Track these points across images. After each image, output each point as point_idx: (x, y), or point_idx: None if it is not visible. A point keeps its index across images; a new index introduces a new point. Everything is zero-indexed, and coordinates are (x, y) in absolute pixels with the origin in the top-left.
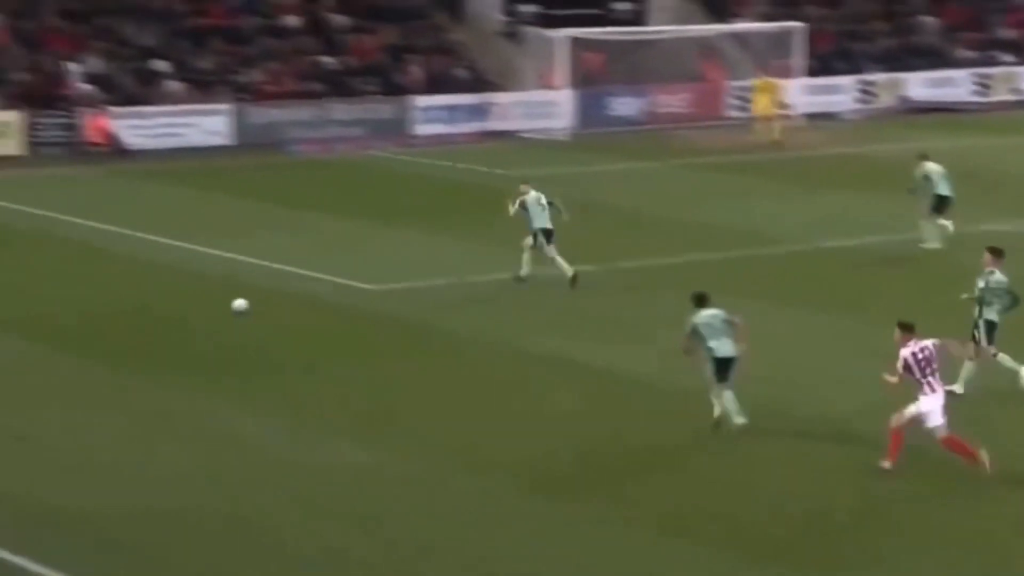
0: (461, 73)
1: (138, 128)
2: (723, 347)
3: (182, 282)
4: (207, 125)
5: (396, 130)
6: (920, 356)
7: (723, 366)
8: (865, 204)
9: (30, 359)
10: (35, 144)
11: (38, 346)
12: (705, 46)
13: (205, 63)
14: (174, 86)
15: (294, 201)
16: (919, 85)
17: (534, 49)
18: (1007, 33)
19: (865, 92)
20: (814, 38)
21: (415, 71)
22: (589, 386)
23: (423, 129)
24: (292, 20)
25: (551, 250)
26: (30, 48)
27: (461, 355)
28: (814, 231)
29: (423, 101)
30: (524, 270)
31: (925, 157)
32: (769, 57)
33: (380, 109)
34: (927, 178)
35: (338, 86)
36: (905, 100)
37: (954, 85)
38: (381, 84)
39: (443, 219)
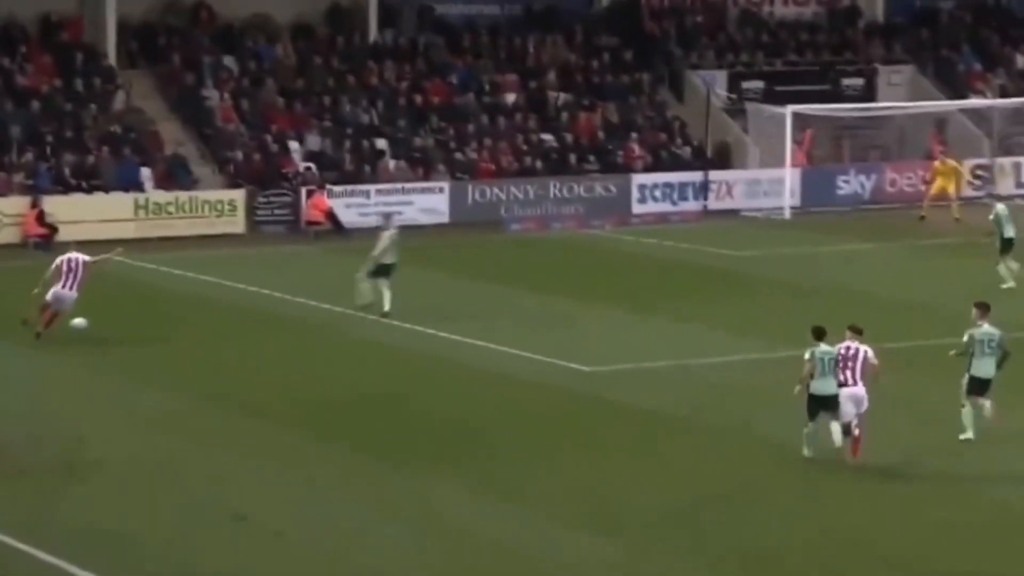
0: (682, 151)
1: (356, 206)
2: (823, 386)
3: (403, 363)
4: (425, 203)
5: (615, 208)
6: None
7: (821, 403)
8: None
9: (281, 444)
10: (257, 223)
11: (284, 430)
12: (939, 123)
13: (423, 141)
14: (393, 164)
15: (510, 279)
16: None
17: (759, 126)
18: None
19: None
20: None
21: (635, 148)
22: (811, 475)
23: (642, 207)
24: (511, 97)
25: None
26: (252, 127)
27: (683, 439)
28: None
29: (643, 179)
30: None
31: (999, 198)
32: (1010, 134)
33: (599, 187)
34: (997, 220)
35: (557, 164)
36: None
37: None
38: (600, 162)
39: (661, 299)
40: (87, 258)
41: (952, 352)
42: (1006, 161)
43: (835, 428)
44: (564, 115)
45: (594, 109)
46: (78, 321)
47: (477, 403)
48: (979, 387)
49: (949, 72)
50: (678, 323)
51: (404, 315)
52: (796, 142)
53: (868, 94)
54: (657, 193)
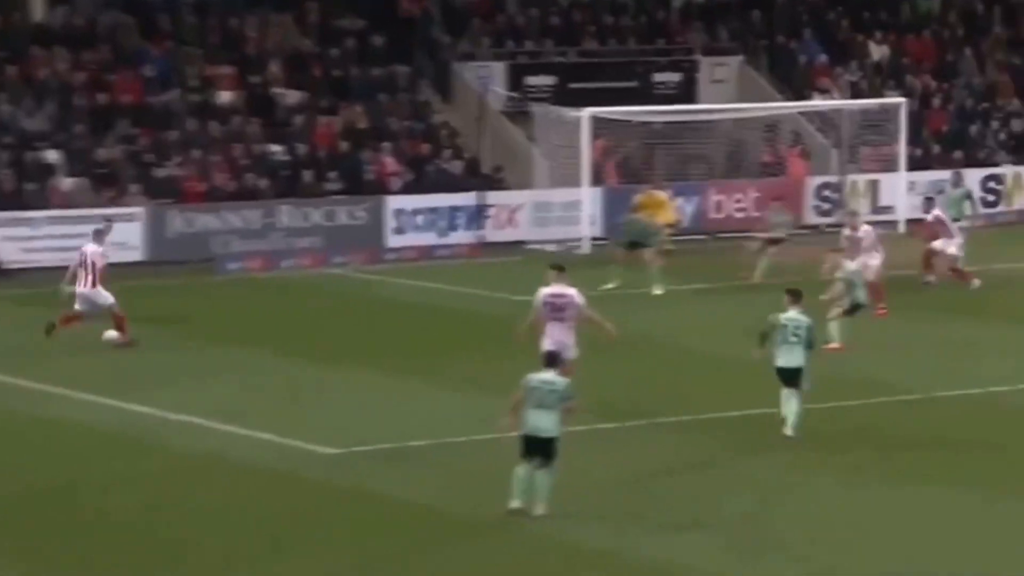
0: (451, 165)
1: (19, 239)
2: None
3: (79, 444)
4: (112, 234)
5: (364, 241)
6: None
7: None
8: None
9: None
10: None
11: None
12: (780, 130)
13: (109, 152)
14: (68, 183)
15: (225, 334)
16: None
17: (549, 133)
18: None
19: (991, 191)
20: (928, 118)
21: (389, 163)
22: None
23: (399, 239)
24: (225, 95)
25: None
26: None
27: (461, 546)
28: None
29: (400, 202)
30: None
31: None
32: (860, 143)
33: (342, 213)
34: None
35: (287, 183)
36: None
37: None
38: (345, 180)
39: (425, 358)
40: (97, 248)
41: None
42: (860, 178)
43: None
44: (296, 119)
45: (335, 112)
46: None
47: (176, 500)
48: (786, 377)
49: (787, 65)
50: (447, 390)
51: (81, 380)
52: (605, 156)
53: (686, 93)
54: (419, 220)
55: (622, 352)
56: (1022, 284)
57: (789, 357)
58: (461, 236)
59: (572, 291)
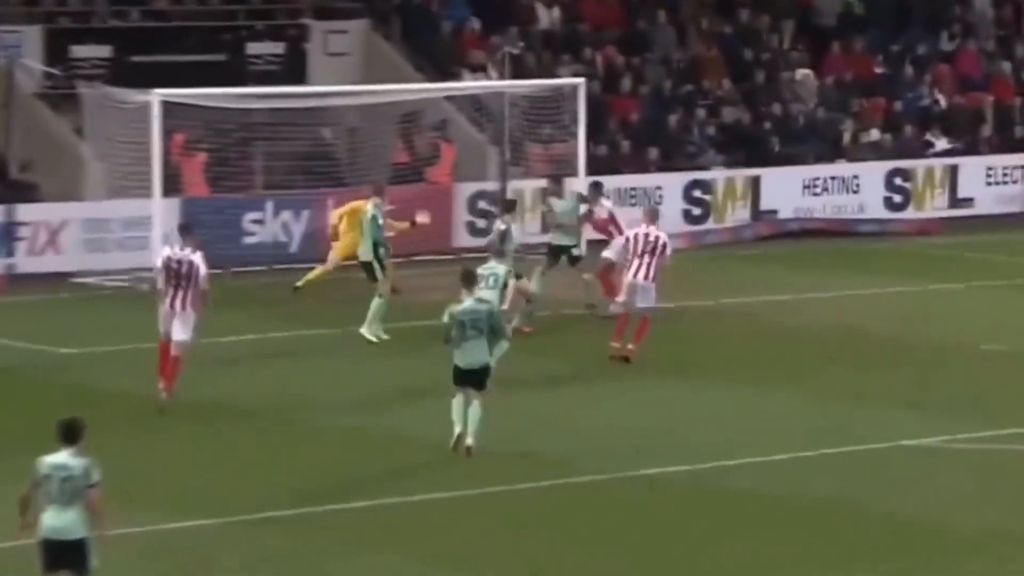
0: None
1: None
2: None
3: None
4: None
5: None
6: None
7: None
8: None
9: None
10: None
11: None
12: (424, 121)
13: None
14: None
15: None
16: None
17: (105, 124)
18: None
19: (697, 202)
20: (614, 104)
21: None
22: None
23: None
24: None
25: None
26: None
27: None
28: None
29: None
30: None
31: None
32: (527, 139)
33: None
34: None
35: None
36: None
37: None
38: None
39: None
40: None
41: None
42: (525, 186)
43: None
44: None
45: None
46: None
47: None
48: (466, 379)
49: (427, 33)
50: None
51: None
52: (185, 154)
53: (293, 69)
54: None
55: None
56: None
57: (472, 355)
58: None
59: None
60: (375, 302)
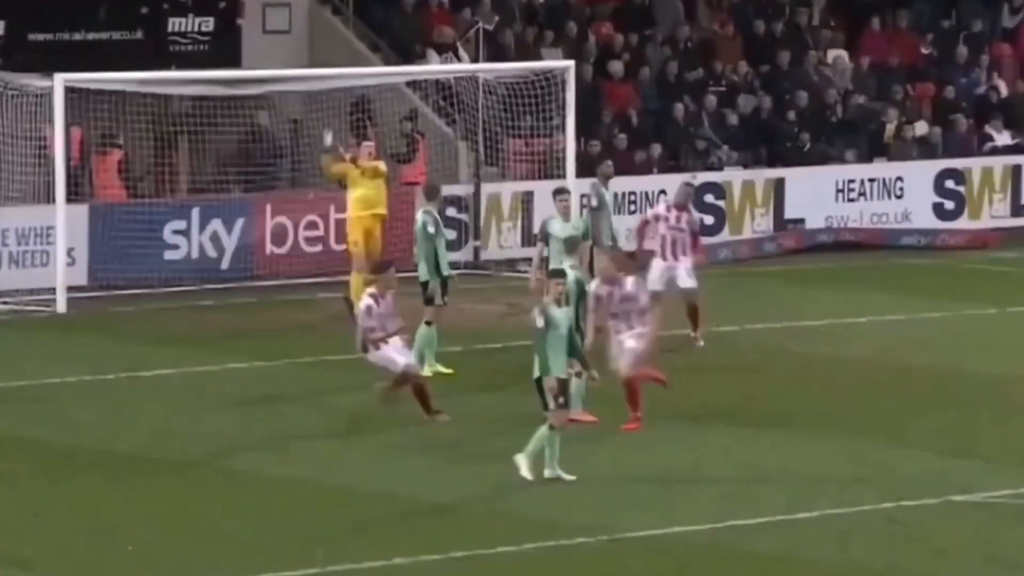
0: None
1: None
2: None
3: None
4: None
5: None
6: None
7: None
8: None
9: None
10: None
11: None
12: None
13: None
14: None
15: None
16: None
17: None
18: None
19: (710, 209)
20: (609, 92)
21: None
22: None
23: None
24: None
25: None
26: None
27: None
28: None
29: None
30: None
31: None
32: (504, 134)
33: None
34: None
35: None
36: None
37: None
38: None
39: None
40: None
41: None
42: (505, 188)
43: None
44: None
45: None
46: None
47: None
48: None
49: (383, 7)
50: None
51: None
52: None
53: (224, 50)
54: None
55: None
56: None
57: None
58: None
59: None
60: (422, 331)
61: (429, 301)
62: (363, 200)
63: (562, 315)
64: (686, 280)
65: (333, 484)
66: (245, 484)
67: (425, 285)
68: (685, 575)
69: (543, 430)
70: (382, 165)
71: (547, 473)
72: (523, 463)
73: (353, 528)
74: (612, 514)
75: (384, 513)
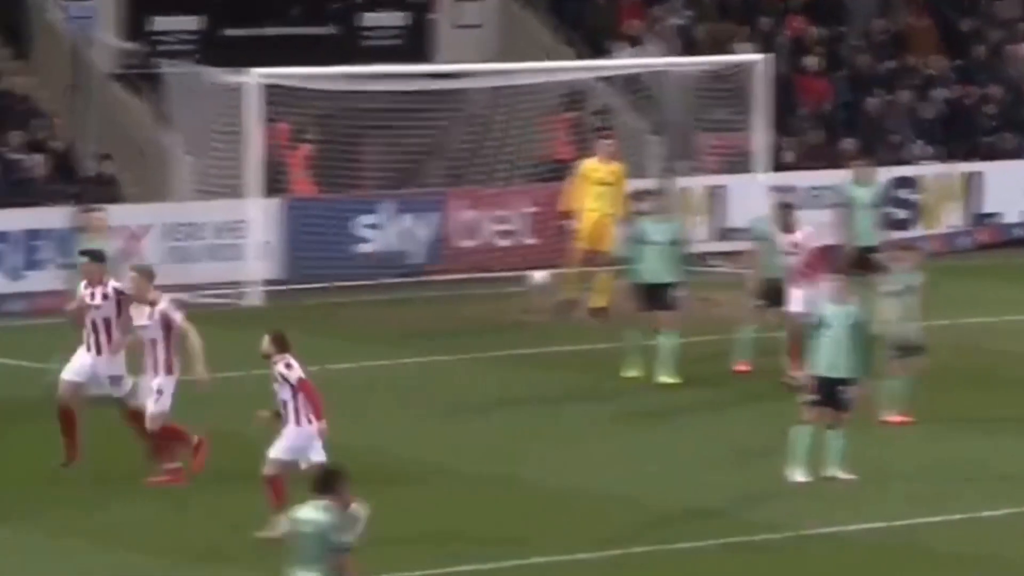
0: (29, 163)
1: None
2: None
3: None
4: None
5: None
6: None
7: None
8: None
9: None
10: None
11: None
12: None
13: None
14: None
15: None
16: None
17: (193, 110)
18: None
19: (903, 204)
20: (801, 86)
21: None
22: None
23: None
24: None
25: None
26: None
27: None
28: None
29: None
30: None
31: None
32: (697, 128)
33: None
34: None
35: None
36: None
37: None
38: None
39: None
40: None
41: None
42: (694, 184)
43: None
44: None
45: None
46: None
47: None
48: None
49: (576, 1)
50: None
51: None
52: (290, 145)
53: (416, 45)
54: None
55: None
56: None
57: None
58: (43, 279)
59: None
60: (667, 340)
61: (672, 306)
62: (598, 198)
63: (839, 314)
64: (793, 305)
65: (560, 486)
66: (455, 481)
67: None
68: (871, 573)
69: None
70: (619, 165)
71: (828, 472)
72: (797, 465)
73: (566, 525)
74: (798, 510)
75: (576, 508)
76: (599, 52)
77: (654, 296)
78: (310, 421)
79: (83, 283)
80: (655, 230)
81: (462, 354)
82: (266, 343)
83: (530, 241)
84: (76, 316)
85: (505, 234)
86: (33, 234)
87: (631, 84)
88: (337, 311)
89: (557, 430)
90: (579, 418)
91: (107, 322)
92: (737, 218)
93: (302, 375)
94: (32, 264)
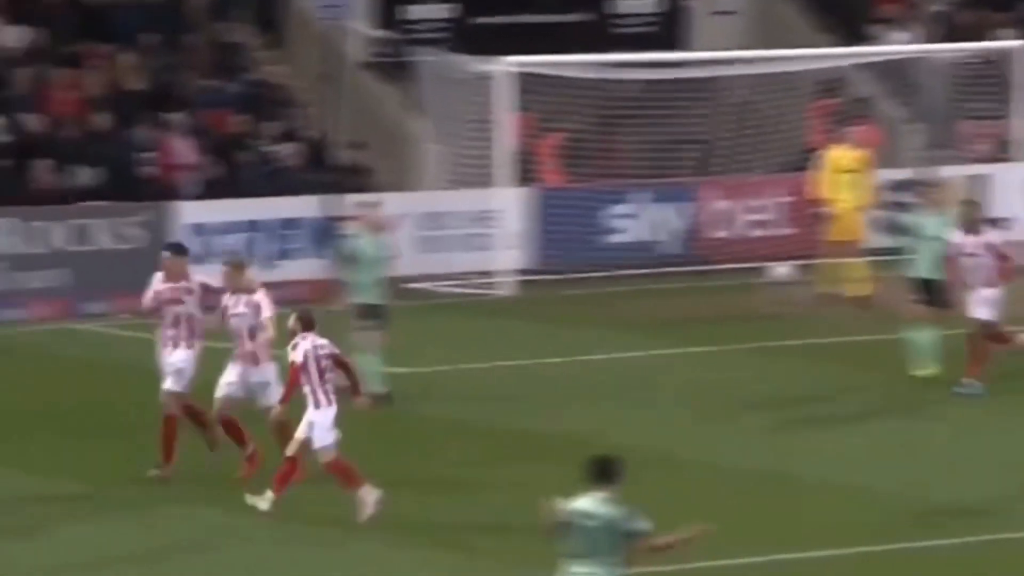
0: (282, 152)
1: None
2: None
3: None
4: None
5: (136, 277)
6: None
7: None
8: None
9: None
10: None
11: None
12: (833, 92)
13: None
14: None
15: None
16: None
17: (444, 99)
18: None
19: None
20: None
21: (183, 149)
22: None
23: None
24: None
25: None
26: None
27: None
28: None
29: (198, 213)
30: None
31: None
32: (957, 116)
33: (104, 232)
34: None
35: (5, 182)
36: None
37: None
38: (105, 177)
39: None
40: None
41: None
42: (957, 173)
43: None
44: (19, 74)
45: (83, 63)
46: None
47: None
48: None
49: None
50: None
51: None
52: (538, 134)
53: (669, 32)
54: (228, 242)
55: None
56: None
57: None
58: (300, 268)
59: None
60: (925, 334)
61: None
62: (846, 187)
63: None
64: (975, 310)
65: (829, 480)
66: (707, 473)
67: (929, 284)
68: None
69: None
70: (865, 152)
71: None
72: None
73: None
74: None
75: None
76: (856, 38)
77: (927, 291)
78: (330, 403)
79: (159, 276)
80: (928, 224)
81: (722, 345)
82: (292, 321)
83: (784, 231)
84: (217, 324)
85: (759, 224)
86: (288, 223)
87: (891, 71)
88: (589, 301)
89: (823, 422)
90: (843, 410)
91: (251, 330)
92: (1000, 208)
93: (296, 360)
94: (285, 253)
